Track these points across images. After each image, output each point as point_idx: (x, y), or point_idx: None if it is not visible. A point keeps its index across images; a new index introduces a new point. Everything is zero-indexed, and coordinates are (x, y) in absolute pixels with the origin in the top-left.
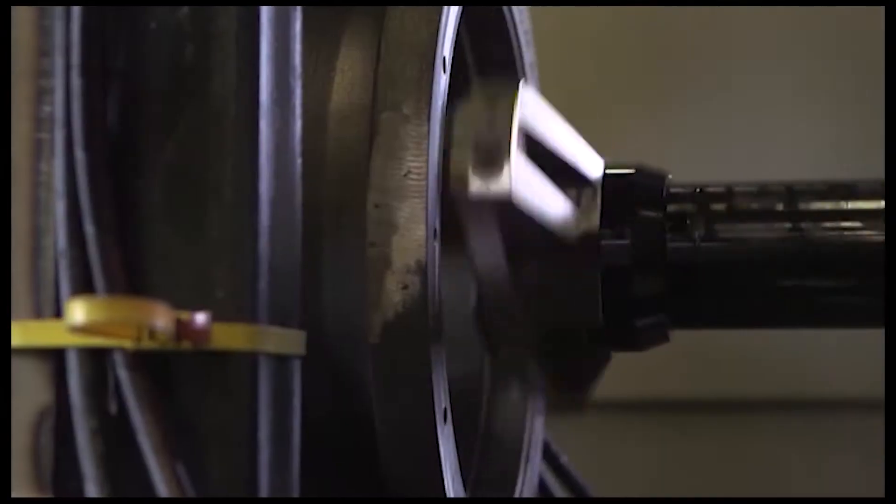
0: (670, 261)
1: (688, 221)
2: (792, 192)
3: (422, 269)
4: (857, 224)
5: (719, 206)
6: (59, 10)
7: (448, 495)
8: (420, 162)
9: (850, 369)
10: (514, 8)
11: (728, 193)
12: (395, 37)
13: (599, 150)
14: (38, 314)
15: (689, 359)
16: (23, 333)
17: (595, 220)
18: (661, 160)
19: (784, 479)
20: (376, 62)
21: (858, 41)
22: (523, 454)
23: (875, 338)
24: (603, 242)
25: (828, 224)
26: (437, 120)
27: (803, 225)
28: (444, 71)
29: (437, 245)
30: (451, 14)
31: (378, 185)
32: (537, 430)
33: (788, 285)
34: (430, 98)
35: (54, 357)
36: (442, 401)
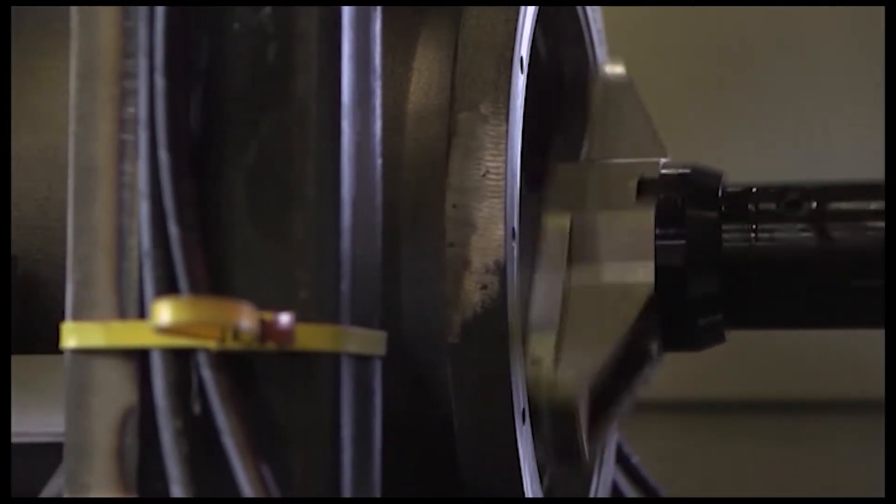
0: (725, 261)
1: (743, 221)
2: (849, 192)
3: (501, 269)
4: None
5: (775, 206)
6: (142, 11)
7: (527, 496)
8: (498, 162)
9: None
10: (588, 7)
11: (783, 193)
12: (472, 36)
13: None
14: (122, 315)
15: (764, 358)
16: (107, 334)
17: (651, 209)
18: (722, 160)
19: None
20: (453, 62)
21: None
22: (597, 456)
23: None
24: (658, 242)
25: (884, 224)
26: (515, 120)
27: (860, 224)
28: (522, 70)
29: (515, 245)
30: (528, 13)
31: (456, 186)
32: (611, 431)
33: (845, 285)
34: (509, 98)
35: (138, 358)
36: (521, 401)
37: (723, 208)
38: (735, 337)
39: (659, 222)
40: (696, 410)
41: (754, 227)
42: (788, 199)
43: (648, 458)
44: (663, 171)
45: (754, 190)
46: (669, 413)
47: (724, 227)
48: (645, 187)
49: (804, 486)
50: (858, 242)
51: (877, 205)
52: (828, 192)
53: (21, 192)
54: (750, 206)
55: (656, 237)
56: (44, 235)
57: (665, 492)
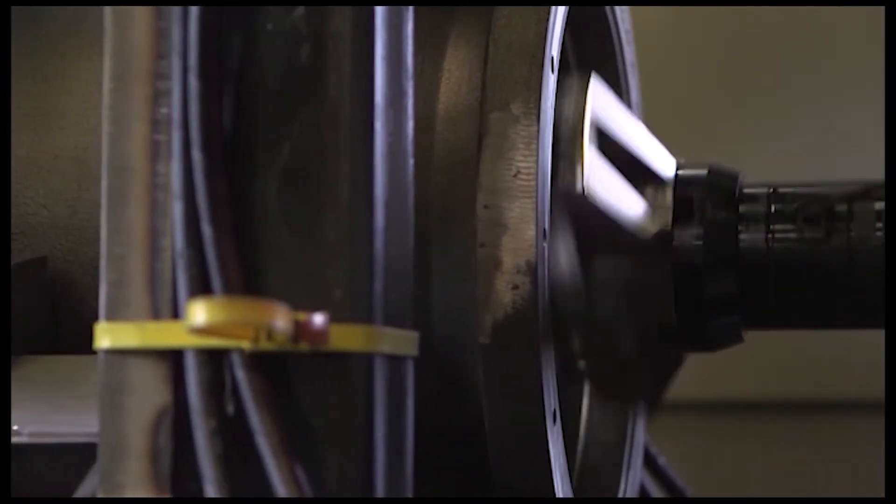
0: (743, 261)
1: (760, 222)
2: (866, 192)
3: (532, 270)
4: None
5: (792, 207)
6: (176, 12)
7: (557, 496)
8: (530, 162)
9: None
10: (616, 7)
11: (801, 193)
12: (503, 37)
13: (688, 148)
14: (155, 315)
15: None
16: (140, 334)
17: (667, 219)
18: (749, 160)
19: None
20: (484, 62)
21: None
22: (625, 457)
23: None
24: (675, 242)
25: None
26: (546, 120)
27: (878, 225)
28: (553, 71)
29: (546, 245)
30: (559, 14)
31: (488, 186)
32: (638, 433)
33: (862, 286)
34: (540, 98)
35: (172, 358)
36: (552, 402)
37: (740, 209)
38: (762, 338)
39: (676, 222)
40: (722, 411)
41: (771, 227)
42: (805, 205)
43: (674, 459)
44: (680, 173)
45: (771, 191)
46: (695, 413)
47: (741, 227)
48: (663, 184)
49: (831, 485)
50: (874, 244)
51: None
52: (845, 193)
53: (51, 192)
54: (767, 207)
55: (674, 237)
56: (74, 236)
57: (691, 492)
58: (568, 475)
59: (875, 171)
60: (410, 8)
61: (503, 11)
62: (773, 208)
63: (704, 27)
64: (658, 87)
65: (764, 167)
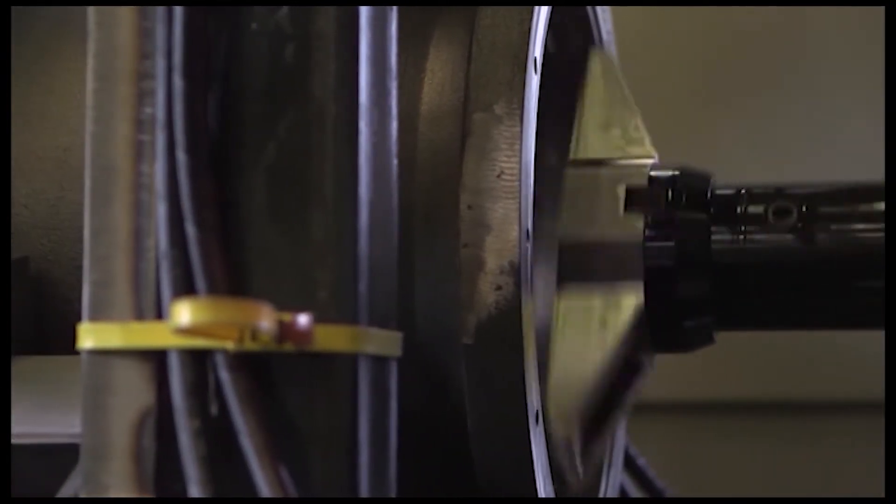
0: (715, 262)
1: (732, 223)
2: (838, 194)
3: (515, 270)
4: None
5: (765, 208)
6: (160, 12)
7: (539, 496)
8: (513, 163)
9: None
10: (598, 7)
11: (773, 194)
12: (486, 37)
13: (671, 149)
14: (139, 315)
15: (764, 361)
16: (124, 335)
17: (640, 220)
18: (730, 161)
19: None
20: (467, 63)
21: None
22: (606, 458)
23: None
24: (648, 244)
25: (875, 225)
26: (529, 120)
27: (850, 226)
28: (536, 71)
29: (529, 246)
30: (542, 14)
31: (471, 187)
32: (619, 433)
33: (833, 287)
34: (523, 99)
35: (156, 358)
36: (535, 402)
37: (712, 210)
38: (738, 338)
39: (648, 224)
40: (700, 411)
41: (743, 228)
42: (777, 206)
43: (654, 460)
44: (652, 174)
45: (744, 191)
46: (675, 414)
47: (714, 229)
48: (634, 194)
49: (808, 486)
50: (846, 245)
51: (865, 207)
52: (817, 195)
53: (32, 192)
54: (739, 209)
55: (646, 239)
56: (55, 236)
57: (670, 492)
58: (550, 475)
59: (856, 172)
60: (394, 8)
61: (486, 12)
62: (745, 209)
63: (686, 27)
64: (638, 87)
65: (744, 168)
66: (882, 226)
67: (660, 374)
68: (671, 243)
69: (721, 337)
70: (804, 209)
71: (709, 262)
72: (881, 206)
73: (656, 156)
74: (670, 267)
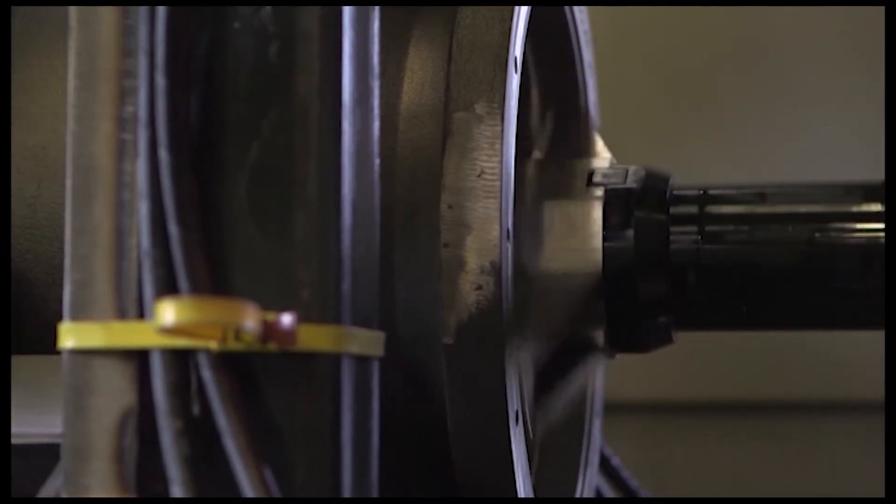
0: (673, 263)
1: (691, 224)
2: (796, 195)
3: (496, 270)
4: (860, 226)
5: (723, 208)
6: (143, 11)
7: (519, 496)
8: (494, 162)
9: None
10: (575, 8)
11: (732, 195)
12: (466, 37)
13: (644, 151)
14: (121, 315)
15: (740, 360)
16: (106, 334)
17: (599, 221)
18: (705, 163)
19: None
20: (448, 62)
21: None
22: (582, 457)
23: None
24: (607, 244)
25: (832, 226)
26: (510, 120)
27: (807, 227)
28: (516, 70)
29: (510, 245)
30: (522, 13)
31: (452, 186)
32: (595, 433)
33: (791, 287)
34: (504, 98)
35: (137, 358)
36: (515, 402)
37: (671, 210)
38: (711, 338)
39: (607, 224)
40: (672, 411)
41: (702, 229)
42: (735, 201)
43: (628, 460)
44: (611, 171)
45: (702, 192)
46: (647, 414)
47: (673, 229)
48: (594, 184)
49: (780, 485)
50: (805, 244)
51: (824, 207)
52: (776, 195)
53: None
54: (698, 209)
55: (604, 238)
56: (33, 235)
57: (644, 493)
58: (530, 475)
59: (825, 173)
60: (377, 8)
61: (466, 12)
62: (704, 210)
63: (662, 29)
64: (614, 88)
65: (718, 170)
66: (838, 226)
67: (632, 374)
68: (629, 243)
69: (694, 337)
70: (764, 210)
71: (667, 263)
72: (841, 206)
73: (609, 156)
74: (629, 267)
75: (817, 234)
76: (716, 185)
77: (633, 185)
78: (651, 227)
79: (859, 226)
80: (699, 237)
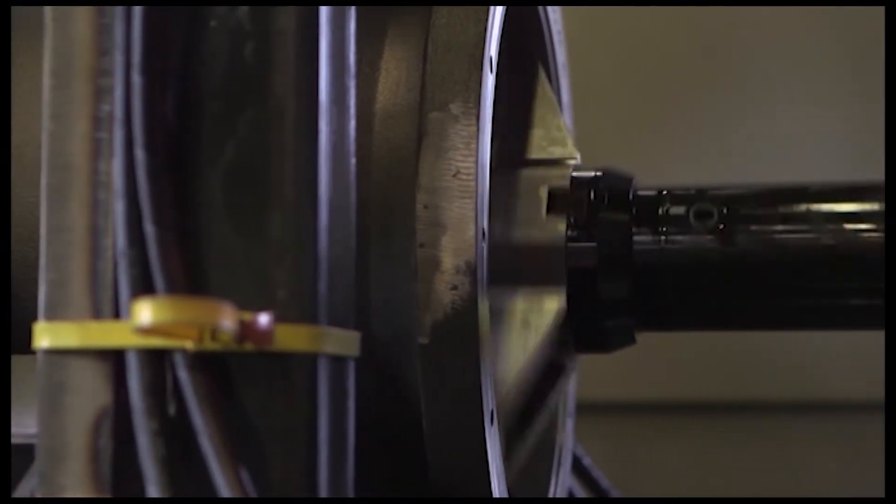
0: (636, 263)
1: (654, 225)
2: (759, 196)
3: (471, 270)
4: (822, 226)
5: (685, 209)
6: (119, 10)
7: (494, 496)
8: (469, 162)
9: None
10: (549, 8)
11: (694, 196)
12: (442, 36)
13: (613, 151)
14: (96, 315)
15: (711, 360)
16: (81, 334)
17: (562, 221)
18: (673, 162)
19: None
20: (423, 62)
21: (872, 45)
22: (556, 458)
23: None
24: (570, 244)
25: (793, 227)
26: (485, 119)
27: (770, 228)
28: (492, 71)
29: (485, 246)
30: (497, 13)
31: (427, 186)
32: (568, 434)
33: (752, 287)
34: (479, 98)
35: (113, 358)
36: (490, 402)
37: (634, 211)
38: (680, 339)
39: (571, 225)
40: (641, 411)
41: (665, 230)
42: (698, 208)
43: (598, 459)
44: (575, 175)
45: (665, 193)
46: (616, 414)
47: (635, 230)
48: (557, 197)
49: (748, 485)
50: (766, 247)
51: (786, 209)
52: (738, 197)
53: None
54: (661, 210)
55: (568, 239)
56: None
57: (615, 493)
58: (504, 475)
59: (795, 173)
60: (353, 7)
61: (442, 12)
62: (667, 211)
63: (635, 29)
64: (584, 87)
65: (690, 170)
66: (799, 227)
67: (602, 374)
68: (593, 244)
69: (664, 338)
70: (725, 211)
71: (630, 264)
72: (801, 207)
73: (578, 156)
74: (592, 268)
75: (780, 235)
76: (678, 187)
77: (597, 186)
78: (614, 227)
79: (821, 226)
80: (662, 238)
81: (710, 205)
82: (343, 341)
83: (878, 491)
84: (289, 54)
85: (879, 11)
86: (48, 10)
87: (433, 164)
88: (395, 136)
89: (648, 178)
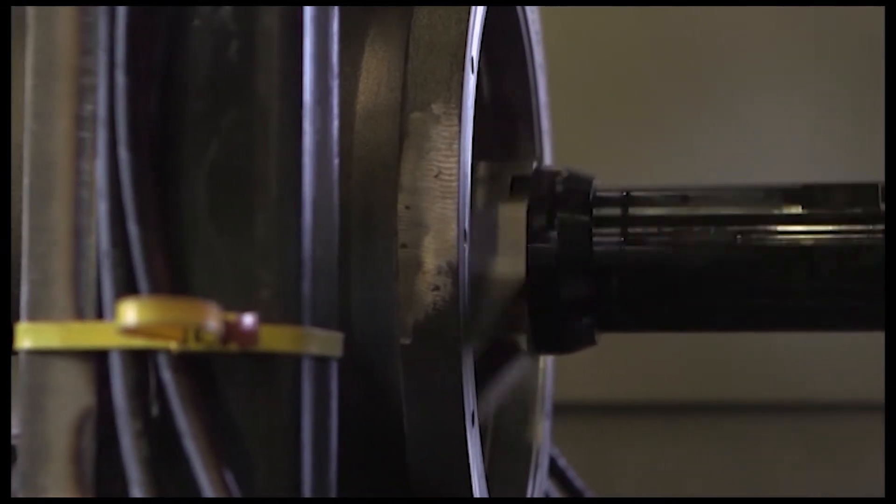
0: (596, 264)
1: (614, 225)
2: (719, 197)
3: (453, 271)
4: (781, 228)
5: (646, 210)
6: (102, 9)
7: (475, 496)
8: (451, 162)
9: (846, 373)
10: (527, 8)
11: (655, 198)
12: (424, 36)
13: (596, 153)
14: (79, 315)
15: (686, 362)
16: (64, 335)
17: (523, 222)
18: (657, 166)
19: (778, 480)
20: (404, 62)
21: (861, 47)
22: (533, 459)
23: (873, 342)
24: (530, 245)
25: (753, 228)
26: (467, 120)
27: (727, 229)
28: (473, 71)
29: (467, 246)
30: (479, 14)
31: (409, 187)
32: (545, 434)
33: (713, 289)
34: (461, 98)
35: (96, 359)
36: (471, 403)
37: (594, 212)
38: (654, 340)
39: (530, 224)
40: (614, 412)
41: (625, 231)
42: (658, 204)
43: (574, 461)
44: (535, 175)
45: (625, 194)
46: (590, 415)
47: (595, 230)
48: (518, 185)
49: (723, 486)
50: (726, 247)
51: (750, 210)
52: (699, 197)
53: None
54: (621, 211)
55: (528, 239)
56: None
57: (590, 493)
58: (485, 476)
59: (767, 174)
60: (336, 7)
61: (423, 11)
62: (627, 211)
63: (612, 30)
64: (564, 88)
65: (665, 171)
66: (758, 227)
67: (577, 375)
68: (552, 244)
69: (638, 339)
70: (687, 212)
71: (590, 264)
72: (763, 209)
73: (543, 157)
74: (552, 268)
75: (739, 237)
76: (639, 188)
77: (557, 187)
78: (574, 228)
79: (780, 228)
80: (622, 239)
81: (671, 205)
82: (327, 342)
83: (858, 495)
84: (273, 54)
85: (855, 11)
86: (31, 10)
87: (415, 165)
88: (377, 137)
89: (625, 178)
